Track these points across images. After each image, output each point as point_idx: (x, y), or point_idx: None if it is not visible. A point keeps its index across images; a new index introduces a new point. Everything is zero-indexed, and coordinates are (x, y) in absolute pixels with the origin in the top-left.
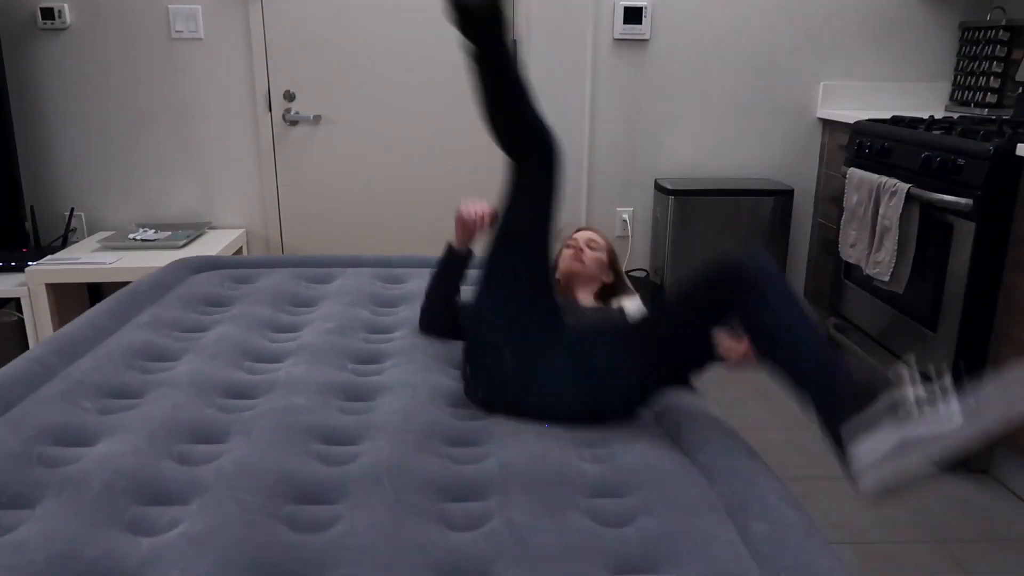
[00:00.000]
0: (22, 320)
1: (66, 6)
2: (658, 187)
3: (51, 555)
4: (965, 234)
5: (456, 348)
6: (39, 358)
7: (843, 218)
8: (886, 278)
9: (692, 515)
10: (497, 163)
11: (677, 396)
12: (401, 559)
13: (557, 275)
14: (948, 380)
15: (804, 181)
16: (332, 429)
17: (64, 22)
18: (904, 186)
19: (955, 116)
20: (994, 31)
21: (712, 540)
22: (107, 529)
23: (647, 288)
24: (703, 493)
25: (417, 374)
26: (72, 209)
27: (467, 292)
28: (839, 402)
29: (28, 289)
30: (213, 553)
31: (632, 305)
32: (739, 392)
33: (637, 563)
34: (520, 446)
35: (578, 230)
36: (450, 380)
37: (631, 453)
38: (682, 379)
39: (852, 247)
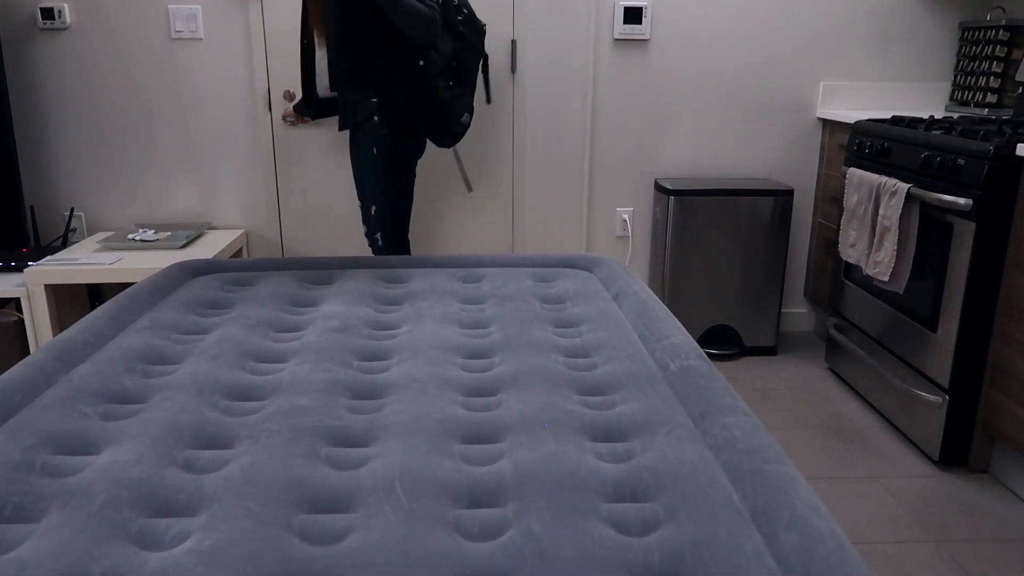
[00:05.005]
0: (22, 320)
1: (66, 6)
2: (658, 187)
3: (58, 573)
4: (965, 234)
5: (461, 337)
6: (39, 364)
7: (843, 218)
8: (886, 278)
9: (716, 523)
10: (496, 161)
11: (704, 380)
12: (418, 573)
13: None
14: None
15: (804, 181)
16: (341, 431)
17: (64, 22)
18: (904, 186)
19: (955, 116)
20: (994, 31)
21: (738, 551)
22: (113, 544)
23: None
24: (727, 498)
25: (424, 368)
26: (72, 209)
27: None
28: None
29: (28, 289)
30: (225, 569)
31: None
32: (738, 392)
33: (661, 575)
34: (533, 444)
35: None
36: (458, 371)
37: (650, 450)
38: None
39: (852, 247)
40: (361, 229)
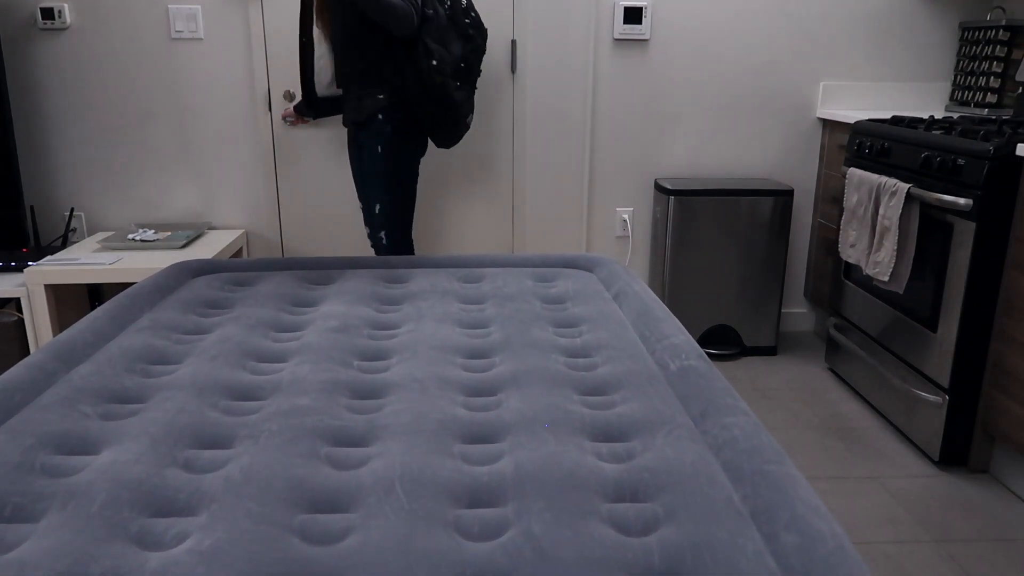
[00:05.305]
0: (22, 320)
1: (66, 6)
2: (658, 187)
3: (58, 573)
4: (965, 234)
5: (461, 336)
6: (39, 364)
7: (843, 218)
8: (886, 278)
9: (716, 523)
10: (496, 161)
11: (704, 380)
12: (418, 573)
13: None
14: None
15: (804, 181)
16: (341, 430)
17: (64, 22)
18: (904, 186)
19: (955, 116)
20: (994, 31)
21: (738, 551)
22: (113, 544)
23: None
24: (727, 498)
25: (424, 368)
26: (72, 209)
27: None
28: None
29: (28, 289)
30: (225, 569)
31: None
32: (738, 392)
33: (661, 575)
34: (534, 444)
35: None
36: (458, 371)
37: (650, 450)
38: None
39: (852, 247)
40: (361, 229)
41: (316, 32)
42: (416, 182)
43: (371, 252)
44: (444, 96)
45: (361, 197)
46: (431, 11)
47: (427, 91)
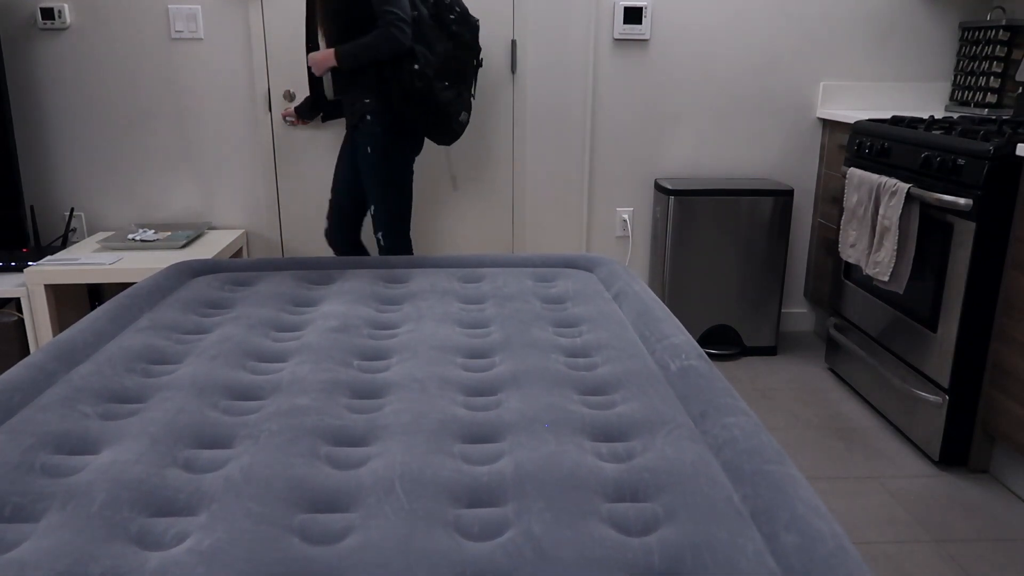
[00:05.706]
0: (22, 320)
1: (66, 6)
2: (658, 187)
3: (58, 573)
4: (965, 234)
5: (461, 336)
6: (39, 364)
7: (843, 218)
8: (886, 278)
9: (716, 523)
10: (496, 161)
11: (704, 380)
12: (418, 573)
13: None
14: None
15: (804, 181)
16: (341, 430)
17: (64, 22)
18: (904, 186)
19: (955, 116)
20: (994, 31)
21: (738, 551)
22: (113, 544)
23: None
24: (727, 498)
25: (424, 368)
26: (72, 209)
27: None
28: None
29: (28, 289)
30: (225, 569)
31: None
32: (738, 392)
33: (661, 575)
34: (534, 443)
35: None
36: (458, 371)
37: (651, 450)
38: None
39: (852, 247)
40: (363, 229)
41: (321, 39)
42: (411, 182)
43: (373, 251)
44: (429, 98)
45: (339, 191)
46: (416, 12)
47: (409, 95)
